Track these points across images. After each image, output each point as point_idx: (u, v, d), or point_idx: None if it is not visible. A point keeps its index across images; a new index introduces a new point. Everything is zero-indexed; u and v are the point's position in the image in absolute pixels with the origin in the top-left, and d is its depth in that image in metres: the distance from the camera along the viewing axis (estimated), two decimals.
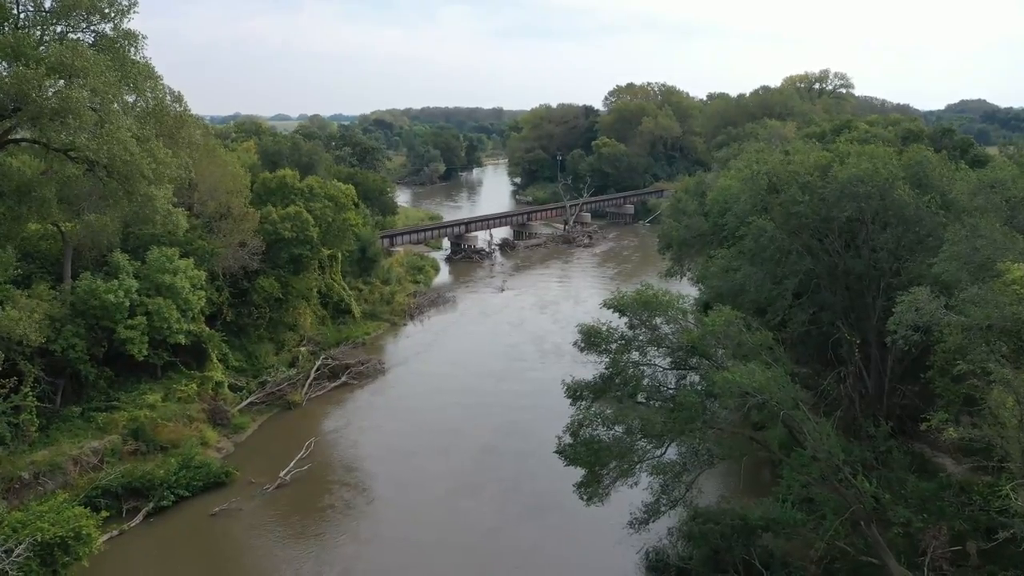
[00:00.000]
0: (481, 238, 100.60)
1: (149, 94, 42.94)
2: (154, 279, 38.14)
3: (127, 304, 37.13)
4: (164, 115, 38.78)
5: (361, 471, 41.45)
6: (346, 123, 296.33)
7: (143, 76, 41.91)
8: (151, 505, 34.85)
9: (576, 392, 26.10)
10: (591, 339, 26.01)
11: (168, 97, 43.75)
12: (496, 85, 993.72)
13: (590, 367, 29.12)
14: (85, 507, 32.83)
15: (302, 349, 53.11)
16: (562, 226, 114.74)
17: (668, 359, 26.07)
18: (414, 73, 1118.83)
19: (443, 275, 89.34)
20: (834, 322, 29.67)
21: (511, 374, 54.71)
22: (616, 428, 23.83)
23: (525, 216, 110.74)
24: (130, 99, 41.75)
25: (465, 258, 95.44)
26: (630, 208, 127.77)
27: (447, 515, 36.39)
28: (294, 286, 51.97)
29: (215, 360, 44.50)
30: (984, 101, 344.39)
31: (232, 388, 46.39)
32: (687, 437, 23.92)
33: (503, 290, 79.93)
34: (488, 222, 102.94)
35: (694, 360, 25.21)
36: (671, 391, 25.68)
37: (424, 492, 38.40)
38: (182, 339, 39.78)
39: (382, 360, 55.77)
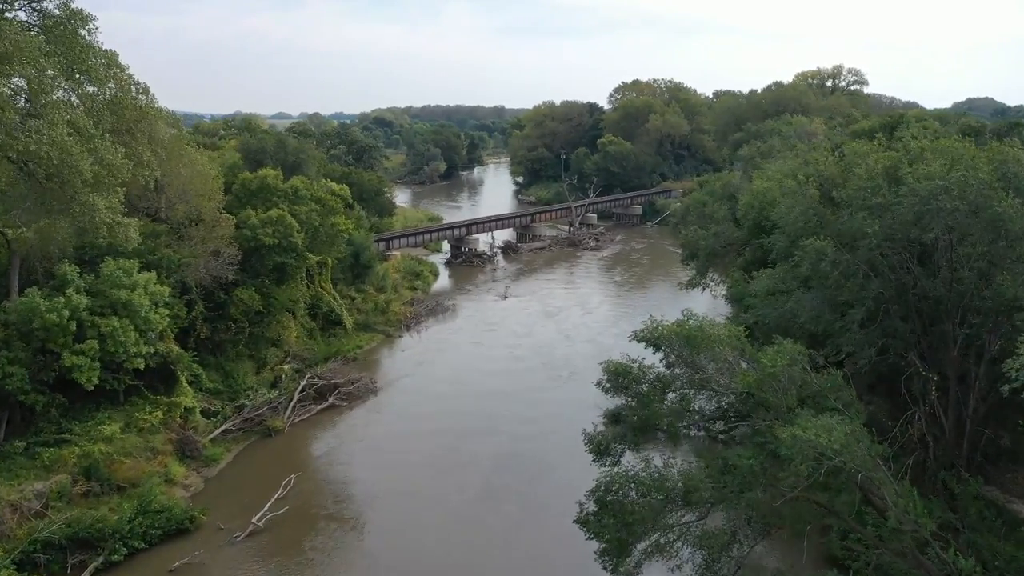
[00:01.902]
0: (483, 241, 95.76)
1: (112, 85, 38.35)
2: (108, 296, 33.27)
3: (73, 326, 32.22)
4: (122, 108, 34.03)
5: (351, 504, 36.89)
6: (346, 121, 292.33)
7: (103, 64, 37.28)
8: (100, 560, 29.99)
9: (601, 446, 21.23)
10: (619, 380, 21.15)
11: (134, 88, 39.32)
12: (498, 83, 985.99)
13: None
14: (21, 565, 28.40)
15: (285, 367, 48.26)
16: (567, 228, 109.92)
17: (715, 404, 21.26)
18: (416, 71, 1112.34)
19: (443, 280, 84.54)
20: (903, 354, 24.82)
21: (517, 393, 49.90)
22: (654, 495, 18.98)
23: (529, 217, 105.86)
24: (91, 89, 37.28)
25: (466, 262, 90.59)
26: (637, 209, 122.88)
27: (448, 552, 32.15)
28: (277, 297, 47.14)
29: (184, 383, 39.67)
30: (991, 99, 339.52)
31: (205, 414, 41.58)
32: (740, 504, 19.08)
33: (506, 297, 75.12)
34: (490, 224, 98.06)
35: (748, 408, 20.40)
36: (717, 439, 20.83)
37: (423, 526, 34.13)
38: (141, 364, 34.92)
39: (374, 378, 50.91)
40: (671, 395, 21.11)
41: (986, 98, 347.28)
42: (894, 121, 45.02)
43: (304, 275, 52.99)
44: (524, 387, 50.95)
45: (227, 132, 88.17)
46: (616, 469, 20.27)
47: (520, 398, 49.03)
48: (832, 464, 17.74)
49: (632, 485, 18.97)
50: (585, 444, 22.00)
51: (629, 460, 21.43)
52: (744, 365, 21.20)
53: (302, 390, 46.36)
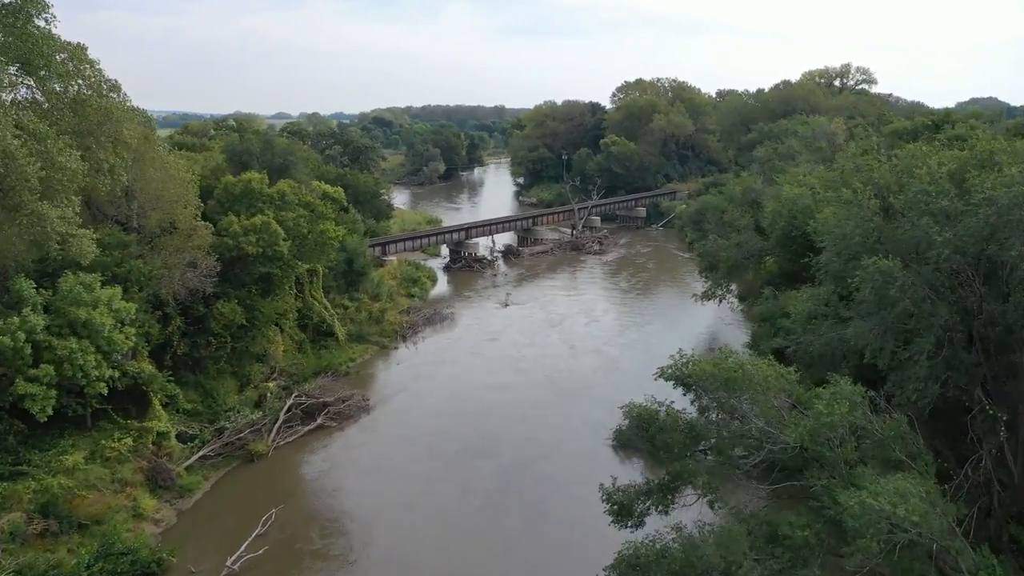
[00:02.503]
0: (483, 245, 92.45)
1: (80, 81, 35.25)
2: (67, 314, 30.00)
3: (29, 348, 28.96)
4: (84, 107, 30.83)
5: (339, 537, 33.83)
6: (346, 121, 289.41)
7: (68, 58, 34.21)
8: None
9: (623, 506, 17.93)
10: (645, 427, 17.87)
11: (104, 85, 36.27)
12: (498, 83, 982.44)
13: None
14: None
15: (271, 385, 44.99)
16: (570, 231, 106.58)
17: (758, 458, 17.92)
18: (416, 71, 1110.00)
19: (441, 286, 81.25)
20: (965, 386, 21.56)
21: (519, 410, 46.62)
22: (687, 571, 15.73)
23: (530, 220, 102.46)
24: (55, 87, 34.17)
25: (465, 267, 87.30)
26: (641, 211, 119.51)
27: None
28: (262, 310, 43.88)
29: (158, 406, 36.43)
30: (995, 99, 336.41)
31: (182, 438, 38.34)
32: None
33: (507, 304, 71.83)
34: (490, 227, 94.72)
35: (800, 463, 17.13)
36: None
37: (418, 558, 31.32)
38: (103, 388, 31.64)
39: (367, 395, 47.61)
40: (705, 446, 17.89)
41: (990, 98, 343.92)
42: (939, 120, 41.47)
43: (292, 284, 49.81)
44: (527, 403, 47.72)
45: (218, 132, 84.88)
46: (641, 534, 17.07)
47: (523, 415, 45.81)
48: (908, 537, 14.52)
49: (663, 560, 15.75)
50: (603, 502, 18.73)
51: (655, 520, 18.22)
52: (785, 399, 17.92)
53: (288, 410, 43.12)
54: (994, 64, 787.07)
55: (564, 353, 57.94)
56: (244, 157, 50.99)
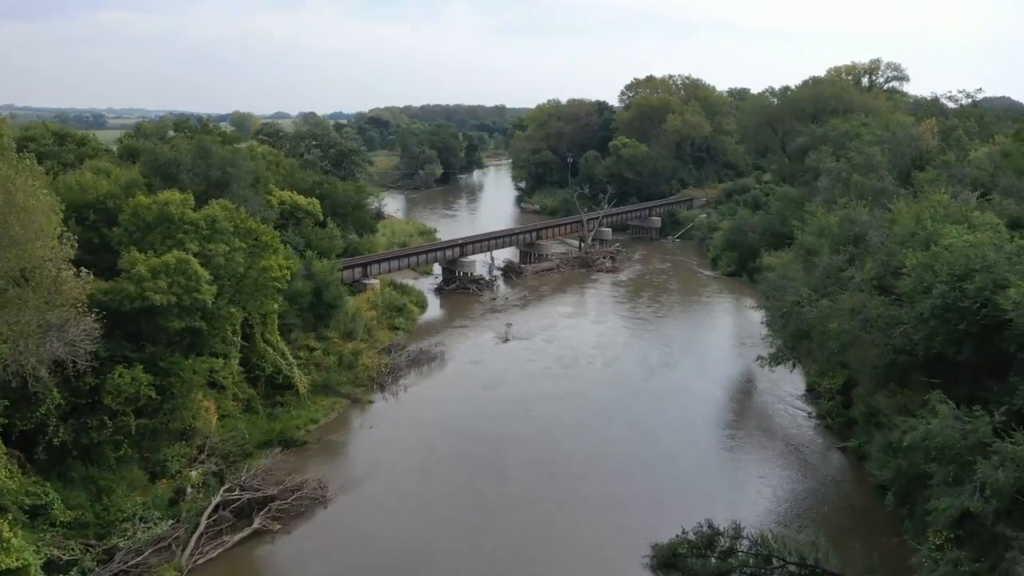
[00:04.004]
0: (480, 262, 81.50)
1: None
2: None
3: None
4: None
5: None
6: (343, 120, 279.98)
7: None
8: None
9: None
10: None
11: None
12: (499, 83, 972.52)
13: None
14: None
15: (192, 473, 33.92)
16: (577, 243, 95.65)
17: None
18: (416, 71, 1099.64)
19: (432, 311, 70.26)
20: None
21: (526, 505, 35.48)
22: None
23: (534, 233, 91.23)
24: None
25: (460, 288, 76.26)
26: (656, 220, 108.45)
27: None
28: (181, 374, 32.86)
29: (7, 532, 25.41)
30: (1008, 98, 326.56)
31: (53, 567, 27.31)
32: None
33: (508, 339, 60.87)
34: (489, 242, 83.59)
35: None
36: None
37: None
38: None
39: (324, 481, 36.27)
40: None
41: (1002, 97, 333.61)
42: None
43: (237, 330, 38.84)
44: (538, 492, 36.56)
45: (178, 134, 73.63)
46: None
47: (531, 515, 34.58)
48: None
49: None
50: None
51: None
52: None
53: (214, 510, 32.11)
54: (1003, 63, 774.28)
55: (581, 410, 46.86)
56: (170, 169, 39.93)
